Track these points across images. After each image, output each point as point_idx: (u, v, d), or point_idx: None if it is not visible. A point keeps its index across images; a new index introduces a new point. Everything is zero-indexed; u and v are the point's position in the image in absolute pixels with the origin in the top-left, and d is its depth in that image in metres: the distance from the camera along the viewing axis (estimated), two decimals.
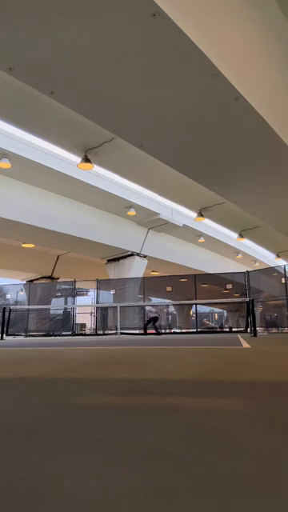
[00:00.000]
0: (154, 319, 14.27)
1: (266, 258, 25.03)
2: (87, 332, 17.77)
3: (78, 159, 10.55)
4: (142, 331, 14.91)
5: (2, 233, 14.46)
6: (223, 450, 0.66)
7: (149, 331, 15.38)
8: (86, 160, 10.14)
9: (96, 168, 11.14)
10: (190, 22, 5.26)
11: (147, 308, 14.44)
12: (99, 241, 15.73)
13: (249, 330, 10.91)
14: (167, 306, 18.13)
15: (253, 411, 0.97)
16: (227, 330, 18.53)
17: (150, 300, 18.24)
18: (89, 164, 10.22)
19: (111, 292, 16.03)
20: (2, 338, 10.78)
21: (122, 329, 12.54)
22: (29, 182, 13.09)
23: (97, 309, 16.04)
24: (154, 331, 15.99)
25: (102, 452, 0.66)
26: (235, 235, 18.21)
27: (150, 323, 14.37)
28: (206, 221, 15.89)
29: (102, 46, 5.44)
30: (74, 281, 16.39)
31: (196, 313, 16.87)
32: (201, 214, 14.75)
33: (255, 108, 6.88)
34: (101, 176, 13.39)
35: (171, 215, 16.87)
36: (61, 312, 16.62)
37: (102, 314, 16.10)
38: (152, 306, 14.71)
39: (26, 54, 5.52)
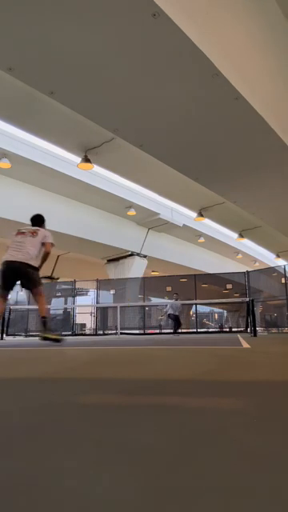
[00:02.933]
0: (176, 318, 13.13)
1: (266, 258, 25.02)
2: (87, 332, 17.77)
3: (78, 159, 10.55)
4: (142, 331, 14.86)
5: (1, 233, 14.45)
6: (223, 449, 0.66)
7: (150, 331, 15.30)
8: (86, 160, 10.14)
9: (96, 168, 11.14)
10: (190, 22, 5.26)
11: (169, 304, 13.20)
12: (99, 241, 15.72)
13: (249, 330, 10.91)
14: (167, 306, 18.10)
15: (253, 411, 0.97)
16: (227, 329, 18.54)
17: (150, 300, 18.15)
18: (89, 164, 10.22)
19: (111, 292, 16.03)
20: (1, 338, 10.79)
21: (121, 329, 12.53)
22: (29, 182, 13.09)
23: (97, 309, 16.03)
24: (154, 331, 15.94)
25: (101, 452, 0.65)
26: (235, 235, 18.21)
27: (171, 319, 13.19)
28: (206, 221, 15.89)
29: (102, 46, 5.45)
30: (74, 281, 16.38)
31: (196, 313, 16.87)
32: (201, 214, 14.75)
33: (255, 108, 6.89)
34: (101, 176, 13.39)
35: (171, 215, 16.86)
36: (61, 312, 16.61)
37: (102, 314, 16.09)
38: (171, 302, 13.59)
39: (26, 53, 5.53)
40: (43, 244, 4.95)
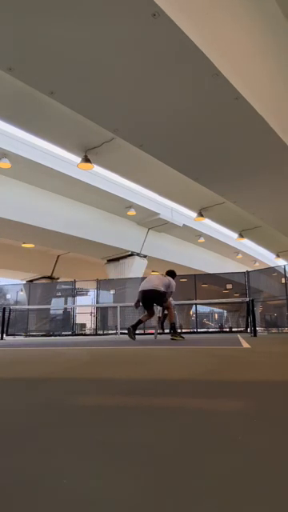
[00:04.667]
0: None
1: (266, 258, 25.01)
2: (87, 332, 17.77)
3: (78, 159, 10.55)
4: (142, 331, 14.84)
5: (1, 233, 14.46)
6: (223, 450, 0.66)
7: (149, 331, 15.25)
8: (86, 160, 10.14)
9: (96, 168, 11.14)
10: (190, 22, 5.26)
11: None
12: (99, 241, 15.71)
13: (249, 330, 10.91)
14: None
15: (253, 411, 0.97)
16: (227, 330, 18.53)
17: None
18: (89, 164, 10.22)
19: (111, 292, 16.01)
20: (1, 338, 10.79)
21: (122, 329, 12.52)
22: (29, 182, 13.09)
23: (97, 309, 16.03)
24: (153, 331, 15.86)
25: (101, 452, 0.66)
26: (235, 235, 18.19)
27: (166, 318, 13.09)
28: (206, 221, 15.88)
29: (102, 46, 5.45)
30: (74, 281, 16.37)
31: (196, 313, 16.85)
32: (201, 214, 14.75)
33: (255, 108, 6.88)
34: (101, 176, 13.38)
35: (171, 215, 16.85)
36: (61, 312, 16.61)
37: (102, 314, 16.09)
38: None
39: (26, 54, 5.53)
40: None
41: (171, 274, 7.92)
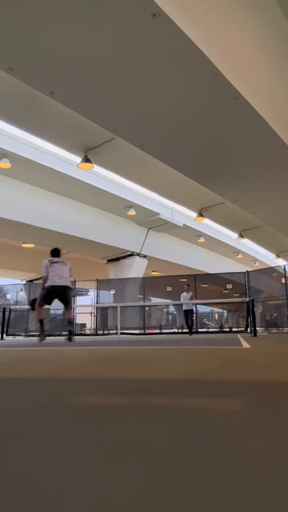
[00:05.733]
0: (191, 312, 12.56)
1: (266, 258, 25.01)
2: (87, 332, 17.76)
3: (78, 159, 10.55)
4: (142, 331, 14.84)
5: (1, 233, 14.45)
6: (223, 450, 0.66)
7: (150, 331, 15.28)
8: (86, 160, 10.14)
9: (96, 168, 11.13)
10: (190, 22, 5.26)
11: (185, 298, 12.32)
12: (99, 241, 15.72)
13: (249, 330, 10.91)
14: (167, 305, 18.09)
15: (253, 411, 0.97)
16: (227, 330, 18.52)
17: (150, 300, 18.10)
18: (89, 164, 10.22)
19: (111, 292, 16.02)
20: (2, 338, 10.79)
21: (122, 329, 12.52)
22: (29, 182, 13.08)
23: (97, 309, 16.02)
24: (156, 331, 15.90)
25: (102, 452, 0.66)
26: (235, 235, 18.20)
27: (189, 317, 12.36)
28: (206, 221, 15.88)
29: (102, 46, 5.45)
30: (74, 281, 16.35)
31: (196, 313, 16.84)
32: (201, 214, 14.75)
33: (255, 108, 6.88)
34: (101, 176, 13.38)
35: (171, 215, 16.85)
36: (61, 312, 16.60)
37: (102, 314, 16.09)
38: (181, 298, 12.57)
39: (26, 53, 5.52)
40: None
41: (58, 254, 7.02)
